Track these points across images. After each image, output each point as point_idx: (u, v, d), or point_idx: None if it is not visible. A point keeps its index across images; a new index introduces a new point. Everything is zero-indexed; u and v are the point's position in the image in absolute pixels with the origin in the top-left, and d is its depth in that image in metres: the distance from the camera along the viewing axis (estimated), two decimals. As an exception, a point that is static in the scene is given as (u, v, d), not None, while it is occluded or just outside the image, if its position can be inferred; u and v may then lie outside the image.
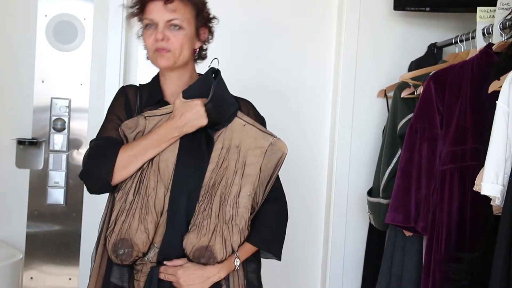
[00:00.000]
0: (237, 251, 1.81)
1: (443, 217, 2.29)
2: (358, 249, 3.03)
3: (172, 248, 1.79)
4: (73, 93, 2.91)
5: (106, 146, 1.82)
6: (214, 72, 1.88)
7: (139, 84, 1.98)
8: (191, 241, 1.76)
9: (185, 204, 1.79)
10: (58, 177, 2.91)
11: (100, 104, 2.89)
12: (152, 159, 1.81)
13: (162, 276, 1.79)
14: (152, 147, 1.79)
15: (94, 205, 2.88)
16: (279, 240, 1.91)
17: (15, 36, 2.91)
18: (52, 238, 2.91)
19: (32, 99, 2.89)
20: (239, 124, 1.86)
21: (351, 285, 3.04)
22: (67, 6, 2.90)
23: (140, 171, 1.80)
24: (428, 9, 2.84)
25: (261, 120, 1.95)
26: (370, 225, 2.93)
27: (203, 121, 1.80)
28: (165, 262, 1.79)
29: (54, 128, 2.90)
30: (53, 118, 2.89)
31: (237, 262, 1.82)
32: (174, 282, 1.79)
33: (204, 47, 1.96)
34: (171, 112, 1.83)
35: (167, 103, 1.89)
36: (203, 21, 1.91)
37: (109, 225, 1.80)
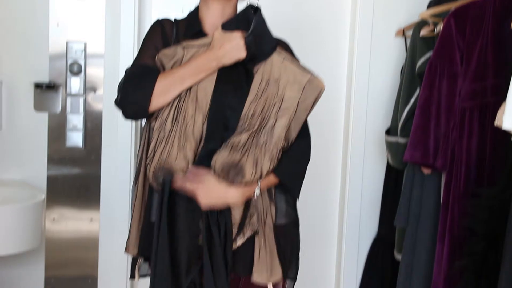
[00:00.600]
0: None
1: (462, 154, 2.29)
2: (375, 189, 3.05)
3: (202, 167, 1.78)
4: (89, 37, 2.90)
5: (143, 73, 1.82)
6: (254, 9, 1.86)
7: (174, 19, 1.95)
8: (222, 156, 1.75)
9: (222, 134, 1.79)
10: (76, 120, 2.92)
11: (115, 49, 2.89)
12: (190, 88, 1.80)
13: (178, 185, 1.78)
14: (190, 76, 1.79)
15: (112, 148, 2.92)
16: (299, 177, 1.92)
17: (29, -21, 2.88)
18: (72, 180, 2.94)
19: (47, 43, 2.87)
20: (278, 59, 1.84)
21: (368, 224, 3.07)
22: None
23: (178, 99, 1.80)
24: None
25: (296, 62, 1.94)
26: (388, 165, 2.95)
27: (242, 53, 1.79)
28: (189, 167, 1.77)
29: (70, 72, 2.89)
30: (69, 61, 2.89)
31: (257, 191, 1.82)
32: (189, 191, 1.78)
33: None
34: (210, 43, 1.82)
35: (205, 35, 1.87)
36: None
37: (148, 154, 1.80)
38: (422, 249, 2.53)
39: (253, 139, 1.78)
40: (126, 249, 1.95)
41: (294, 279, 1.98)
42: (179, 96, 1.80)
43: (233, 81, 1.82)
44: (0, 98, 2.88)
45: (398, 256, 2.76)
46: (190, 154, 1.78)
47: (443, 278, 2.33)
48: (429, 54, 2.53)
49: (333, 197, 3.16)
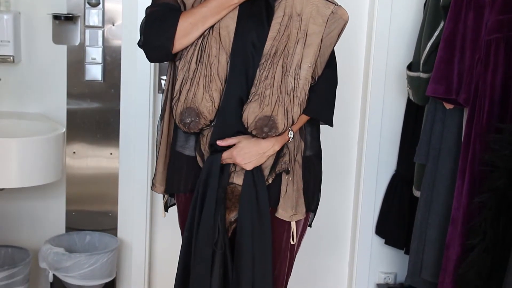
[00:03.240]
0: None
1: (486, 88, 2.26)
2: (395, 125, 3.02)
3: (229, 118, 1.79)
4: (106, -35, 2.85)
5: (164, 13, 1.79)
6: None
7: None
8: (253, 110, 1.76)
9: (245, 71, 1.77)
10: (95, 53, 2.90)
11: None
12: (212, 26, 1.78)
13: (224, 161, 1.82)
14: (212, 14, 1.76)
15: (132, 82, 2.90)
16: (330, 107, 1.92)
17: None
18: (91, 114, 2.94)
19: (65, -27, 2.84)
20: None
21: (387, 159, 3.05)
22: None
23: (201, 38, 1.78)
24: None
25: None
26: (408, 101, 2.91)
27: None
28: (218, 142, 1.80)
29: (88, 3, 2.86)
30: (88, -7, 2.85)
31: (291, 134, 1.83)
32: (229, 160, 1.82)
33: None
34: None
35: None
36: None
37: (174, 95, 1.80)
38: (442, 184, 2.52)
39: (280, 84, 1.76)
40: (153, 187, 1.98)
41: (314, 211, 2.00)
42: (202, 35, 1.78)
43: (255, 17, 1.78)
44: (18, 29, 2.85)
45: (416, 193, 2.75)
46: (215, 95, 1.78)
47: (462, 214, 2.33)
48: (455, -14, 2.45)
49: (352, 133, 3.13)
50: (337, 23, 1.81)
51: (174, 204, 2.03)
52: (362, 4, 3.03)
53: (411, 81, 2.70)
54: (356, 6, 3.02)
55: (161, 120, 1.92)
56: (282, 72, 1.77)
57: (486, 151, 2.22)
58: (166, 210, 2.04)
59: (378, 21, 2.94)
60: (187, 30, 1.76)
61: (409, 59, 2.82)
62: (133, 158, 2.97)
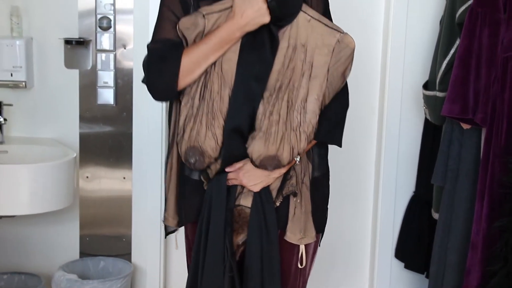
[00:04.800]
0: None
1: (504, 108, 2.19)
2: (413, 146, 2.95)
3: (234, 152, 1.77)
4: (118, -10, 2.85)
5: (166, 52, 1.75)
6: None
7: None
8: (258, 149, 1.73)
9: (248, 107, 1.73)
10: (107, 77, 2.89)
11: (144, 2, 2.81)
12: (215, 61, 1.74)
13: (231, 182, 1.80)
14: (214, 51, 1.72)
15: (144, 105, 2.88)
16: (339, 129, 1.86)
17: None
18: (104, 138, 2.93)
19: (76, -3, 2.84)
20: (304, 19, 1.74)
21: (405, 180, 2.99)
22: None
23: (204, 74, 1.75)
24: None
25: (324, 2, 1.84)
26: (426, 120, 2.84)
27: (266, 18, 1.70)
28: (226, 169, 1.78)
29: (100, 27, 2.85)
30: (99, 16, 2.84)
31: (298, 157, 1.79)
32: (238, 184, 1.80)
33: None
34: (230, 7, 1.72)
35: None
36: None
37: (178, 131, 1.79)
38: (460, 207, 2.45)
39: (286, 121, 1.73)
40: (165, 221, 1.95)
41: (322, 231, 1.96)
42: (205, 71, 1.75)
43: (258, 49, 1.74)
44: (31, 55, 2.87)
45: (435, 215, 2.68)
46: (218, 132, 1.74)
47: (482, 238, 2.26)
48: (470, 2, 2.38)
49: (369, 154, 3.08)
50: (344, 51, 1.75)
51: (174, 231, 2.00)
52: (377, 22, 2.98)
53: (428, 100, 2.64)
54: (370, 24, 2.98)
55: (168, 155, 1.90)
56: (288, 107, 1.73)
57: (505, 173, 2.15)
58: (165, 236, 2.02)
59: (393, 38, 2.88)
60: (189, 69, 1.73)
61: (425, 77, 2.76)
62: (146, 182, 2.94)
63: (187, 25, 1.75)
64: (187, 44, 1.77)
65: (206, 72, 1.75)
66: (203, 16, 1.74)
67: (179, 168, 1.88)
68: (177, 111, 1.83)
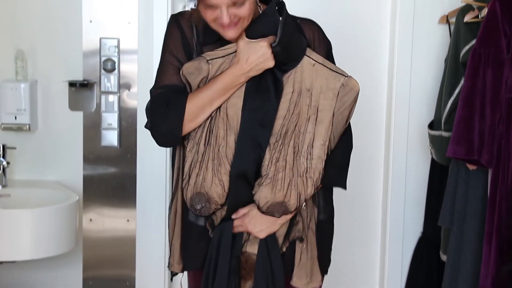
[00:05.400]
0: None
1: (510, 148, 2.15)
2: (420, 185, 2.92)
3: (240, 199, 1.75)
4: (122, 33, 2.85)
5: (170, 98, 1.73)
6: (279, 5, 1.73)
7: (191, 8, 1.82)
8: (265, 196, 1.71)
9: (254, 153, 1.71)
10: (111, 118, 2.89)
11: (149, 44, 2.83)
12: (219, 106, 1.73)
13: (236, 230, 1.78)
14: (219, 96, 1.71)
15: (148, 147, 2.87)
16: (344, 172, 1.84)
17: (61, -24, 2.85)
18: (108, 180, 2.91)
19: (81, 40, 2.84)
20: (309, 63, 1.73)
21: (412, 221, 2.94)
22: None
23: (209, 119, 1.73)
24: None
25: (326, 44, 1.83)
26: (432, 160, 2.80)
27: (270, 63, 1.69)
28: (232, 217, 1.76)
29: (104, 69, 2.86)
30: (103, 58, 2.85)
31: (303, 203, 1.76)
32: (241, 229, 1.77)
33: None
34: (234, 51, 1.72)
35: (228, 42, 1.75)
36: None
37: (184, 177, 1.76)
38: (468, 250, 2.40)
39: (292, 167, 1.71)
40: (171, 267, 1.90)
41: (326, 272, 1.93)
42: (209, 116, 1.73)
43: (263, 93, 1.72)
44: (35, 97, 2.88)
45: (443, 257, 2.63)
46: (225, 178, 1.72)
47: (491, 282, 2.21)
48: (473, 42, 2.37)
49: (376, 195, 3.04)
50: (349, 95, 1.73)
51: (178, 273, 1.94)
52: (382, 61, 2.97)
53: (433, 140, 2.61)
54: (375, 63, 2.98)
55: (172, 200, 1.86)
56: (294, 153, 1.71)
57: (512, 216, 2.09)
58: (171, 279, 1.97)
59: (398, 77, 2.87)
60: (194, 114, 1.71)
61: (431, 116, 2.73)
62: (150, 224, 2.92)
63: (191, 70, 1.73)
64: (190, 89, 1.75)
65: (211, 117, 1.73)
66: (207, 61, 1.72)
67: (184, 214, 1.85)
68: (181, 156, 1.80)
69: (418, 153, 2.92)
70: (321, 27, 1.84)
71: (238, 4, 1.65)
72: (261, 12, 1.76)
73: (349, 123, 1.83)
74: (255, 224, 1.75)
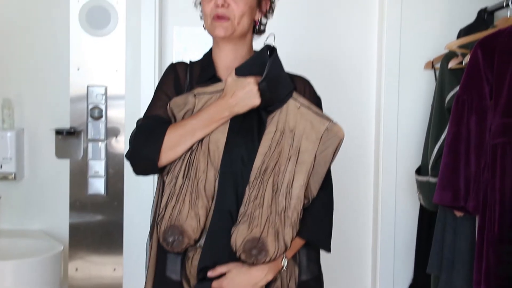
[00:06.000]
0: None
1: (496, 195, 2.12)
2: (409, 231, 2.89)
3: (218, 237, 1.68)
4: (109, 80, 2.86)
5: (153, 126, 1.73)
6: (270, 49, 1.76)
7: (190, 62, 1.87)
8: (241, 233, 1.65)
9: (234, 189, 1.69)
10: (98, 166, 2.87)
11: (136, 90, 2.84)
12: (201, 140, 1.71)
13: None
14: (201, 127, 1.69)
15: (135, 194, 2.85)
16: (327, 231, 1.79)
17: (49, 24, 2.86)
18: (94, 228, 2.88)
19: (68, 87, 2.85)
20: (294, 106, 1.73)
21: (403, 268, 2.91)
22: (98, -9, 2.84)
23: (189, 152, 1.71)
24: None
25: (316, 100, 1.82)
26: (421, 206, 2.77)
27: (256, 101, 1.68)
28: (208, 273, 1.69)
29: (91, 117, 2.85)
30: (90, 106, 2.85)
31: (285, 262, 1.71)
32: None
33: (264, 21, 1.85)
34: (223, 89, 1.72)
35: (219, 80, 1.78)
36: None
37: (160, 211, 1.71)
38: (458, 298, 2.34)
39: (270, 204, 1.67)
40: None
41: None
42: (190, 148, 1.71)
43: (246, 132, 1.71)
44: (21, 146, 2.87)
45: (434, 305, 2.57)
46: (202, 212, 1.68)
47: (481, 332, 2.13)
48: (458, 88, 2.37)
49: (365, 242, 3.01)
50: (332, 140, 1.71)
51: None
52: (368, 105, 2.97)
53: (421, 185, 2.59)
54: (362, 107, 2.98)
55: (150, 239, 1.81)
56: (273, 191, 1.68)
57: (500, 264, 2.06)
58: None
59: (385, 123, 2.87)
60: (174, 142, 1.69)
61: (419, 161, 2.71)
62: (137, 270, 2.85)
63: (178, 103, 1.74)
64: (175, 122, 1.75)
65: (191, 150, 1.71)
66: (194, 95, 1.73)
67: (157, 267, 1.79)
68: (159, 192, 1.77)
69: (407, 198, 2.90)
70: (309, 74, 1.85)
71: None
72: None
73: (331, 180, 1.79)
74: (233, 286, 1.68)
